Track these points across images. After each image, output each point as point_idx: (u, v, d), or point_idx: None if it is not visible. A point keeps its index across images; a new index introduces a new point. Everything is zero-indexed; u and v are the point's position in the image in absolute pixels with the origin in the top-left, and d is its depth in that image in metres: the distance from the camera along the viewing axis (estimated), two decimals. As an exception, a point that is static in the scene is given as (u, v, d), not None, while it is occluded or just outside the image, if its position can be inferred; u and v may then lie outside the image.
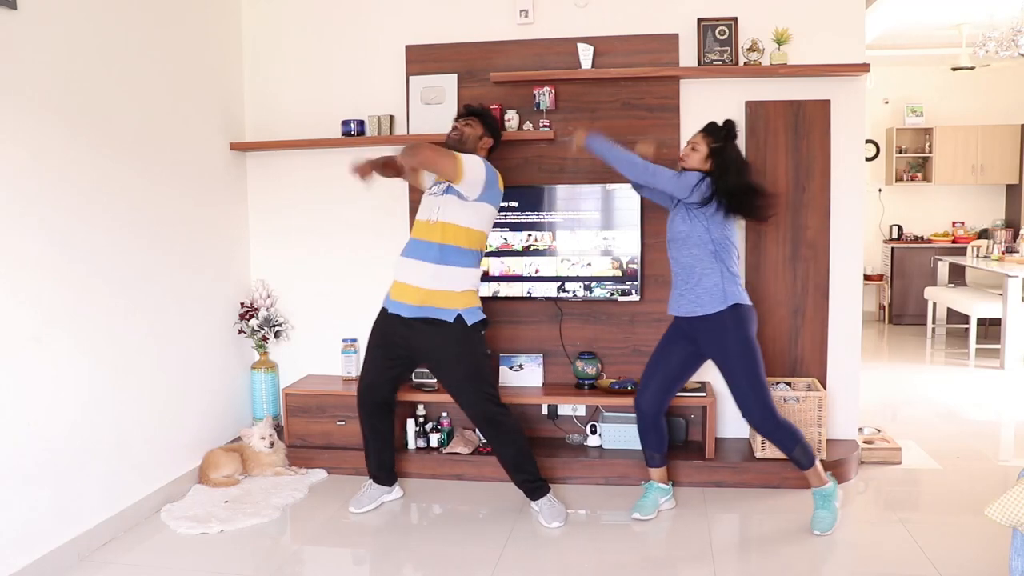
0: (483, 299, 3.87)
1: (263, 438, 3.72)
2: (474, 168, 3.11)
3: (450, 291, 3.14)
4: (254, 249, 4.23)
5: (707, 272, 3.07)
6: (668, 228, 3.20)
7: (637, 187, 3.43)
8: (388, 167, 3.27)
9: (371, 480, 3.45)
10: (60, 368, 2.89)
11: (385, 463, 3.43)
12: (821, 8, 3.71)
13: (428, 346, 3.20)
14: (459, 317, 3.14)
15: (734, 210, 3.08)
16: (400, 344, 3.24)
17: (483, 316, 3.23)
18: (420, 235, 3.20)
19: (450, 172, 3.07)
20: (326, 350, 4.16)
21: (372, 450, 3.40)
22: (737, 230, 3.17)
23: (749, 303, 3.12)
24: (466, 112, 3.37)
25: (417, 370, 3.72)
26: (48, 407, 2.83)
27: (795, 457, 3.13)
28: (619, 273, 3.79)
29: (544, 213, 3.82)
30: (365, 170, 3.19)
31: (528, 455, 3.29)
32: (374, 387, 3.31)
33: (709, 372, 3.79)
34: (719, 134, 3.11)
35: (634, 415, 3.79)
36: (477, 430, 3.38)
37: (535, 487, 3.28)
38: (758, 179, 3.27)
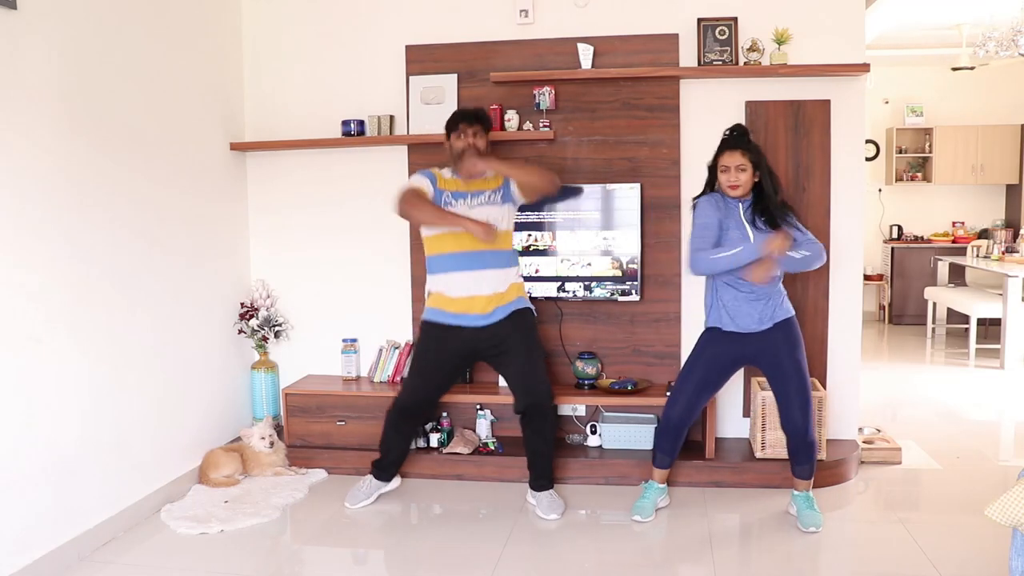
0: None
1: (263, 438, 3.72)
2: None
3: (519, 283, 3.37)
4: (254, 249, 4.23)
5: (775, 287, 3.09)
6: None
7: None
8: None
9: (372, 476, 3.47)
10: (60, 368, 2.89)
11: (398, 463, 3.52)
12: (821, 8, 3.71)
13: (515, 334, 3.27)
14: (529, 309, 3.36)
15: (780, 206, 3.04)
16: (477, 352, 3.32)
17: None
18: (481, 246, 3.18)
19: (552, 183, 3.26)
20: (326, 350, 4.16)
21: (391, 449, 3.45)
22: None
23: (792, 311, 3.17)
24: (473, 119, 3.31)
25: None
26: (48, 407, 2.83)
27: (804, 469, 3.15)
28: (619, 273, 3.79)
29: (544, 213, 3.82)
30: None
31: (553, 449, 3.44)
32: (425, 403, 3.42)
33: (709, 372, 3.79)
34: (749, 143, 3.03)
35: (634, 415, 3.80)
36: (524, 421, 3.36)
37: (548, 480, 3.37)
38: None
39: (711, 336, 3.16)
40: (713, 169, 3.10)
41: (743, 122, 3.72)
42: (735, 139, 3.04)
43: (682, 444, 3.27)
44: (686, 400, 3.16)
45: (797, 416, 3.07)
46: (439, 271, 3.27)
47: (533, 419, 3.32)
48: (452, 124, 3.31)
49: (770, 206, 3.03)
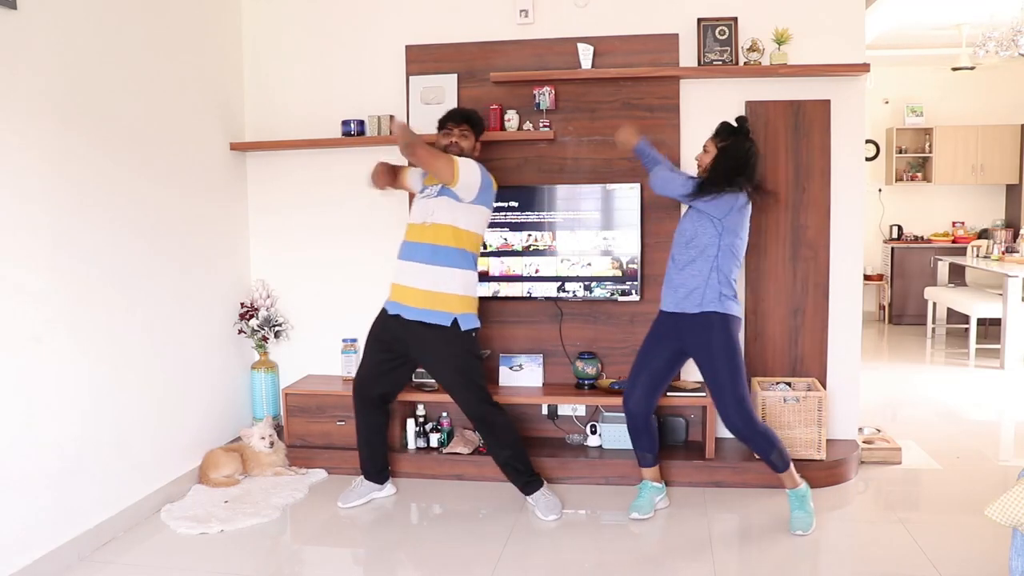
0: (483, 299, 3.89)
1: (263, 438, 3.72)
2: (471, 172, 3.17)
3: (447, 293, 3.18)
4: (254, 249, 4.23)
5: (702, 273, 3.08)
6: (679, 226, 3.21)
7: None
8: (389, 173, 3.43)
9: (362, 476, 3.47)
10: (60, 368, 2.89)
11: (377, 460, 3.46)
12: (821, 8, 3.71)
13: (424, 348, 3.26)
14: (455, 322, 3.18)
15: (724, 183, 3.06)
16: (397, 343, 3.29)
17: (477, 324, 3.27)
18: (414, 237, 3.24)
19: (446, 175, 3.10)
20: (326, 350, 4.16)
21: (363, 444, 3.44)
22: (745, 242, 3.15)
23: (737, 315, 3.12)
24: (460, 118, 3.36)
25: (418, 370, 3.72)
26: (48, 407, 2.83)
27: (772, 460, 3.13)
28: (619, 273, 3.79)
29: (544, 213, 3.82)
30: (380, 182, 3.41)
31: (522, 453, 3.35)
32: (367, 381, 3.38)
33: (709, 372, 3.79)
34: (726, 132, 3.13)
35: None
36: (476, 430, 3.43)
37: (529, 482, 3.33)
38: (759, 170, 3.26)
39: (656, 318, 3.27)
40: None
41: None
42: (720, 124, 3.18)
43: (657, 439, 3.31)
44: (635, 384, 3.22)
45: (731, 414, 3.07)
46: (400, 253, 3.34)
47: (480, 431, 3.38)
48: (442, 122, 3.38)
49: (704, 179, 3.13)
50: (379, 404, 3.42)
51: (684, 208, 3.25)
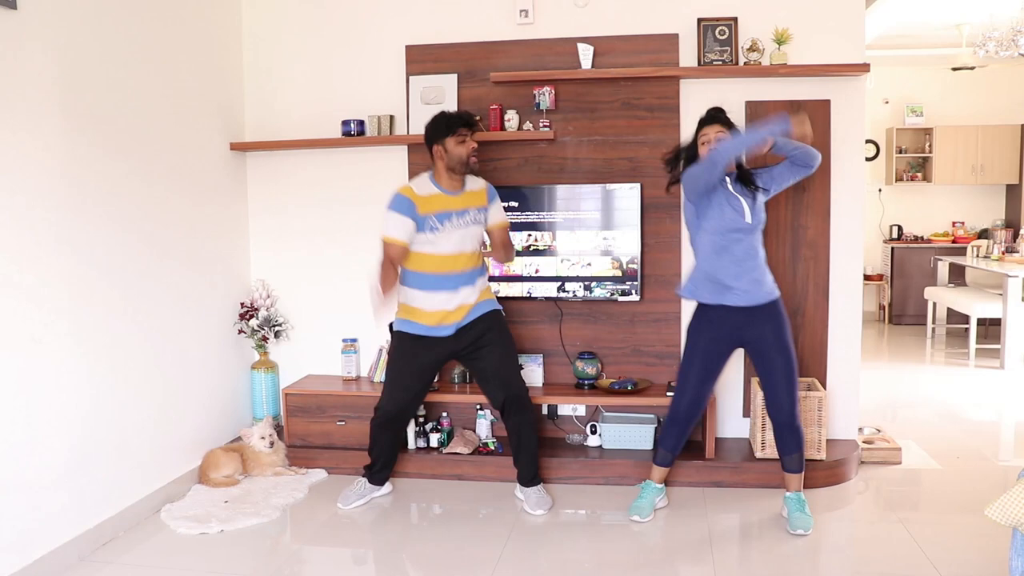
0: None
1: (263, 438, 3.72)
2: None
3: (487, 287, 3.42)
4: (254, 249, 4.23)
5: (762, 259, 3.09)
6: (713, 218, 3.04)
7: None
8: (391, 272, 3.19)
9: (365, 479, 3.48)
10: (60, 368, 2.89)
11: (390, 464, 3.51)
12: (821, 8, 3.71)
13: (488, 333, 3.32)
14: (498, 308, 3.39)
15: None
16: (449, 354, 3.35)
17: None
18: (467, 266, 3.27)
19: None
20: (326, 350, 4.16)
21: (388, 458, 3.47)
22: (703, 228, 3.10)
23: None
24: (474, 123, 3.26)
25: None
26: (48, 407, 2.83)
27: (793, 459, 3.15)
28: (619, 273, 3.79)
29: (544, 213, 3.82)
30: (388, 287, 3.12)
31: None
32: (411, 408, 3.43)
33: (709, 372, 3.79)
34: (726, 119, 3.09)
35: (634, 415, 3.80)
36: (505, 415, 3.36)
37: (536, 475, 3.40)
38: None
39: (701, 314, 3.17)
40: (693, 146, 3.13)
41: (744, 122, 3.74)
42: (712, 116, 3.11)
43: (685, 442, 3.27)
44: (687, 388, 3.16)
45: (783, 399, 3.07)
46: (418, 287, 3.24)
47: (513, 412, 3.34)
48: (448, 128, 3.16)
49: (748, 172, 3.12)
50: (406, 422, 3.52)
51: (712, 197, 3.05)
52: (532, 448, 3.38)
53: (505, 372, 3.33)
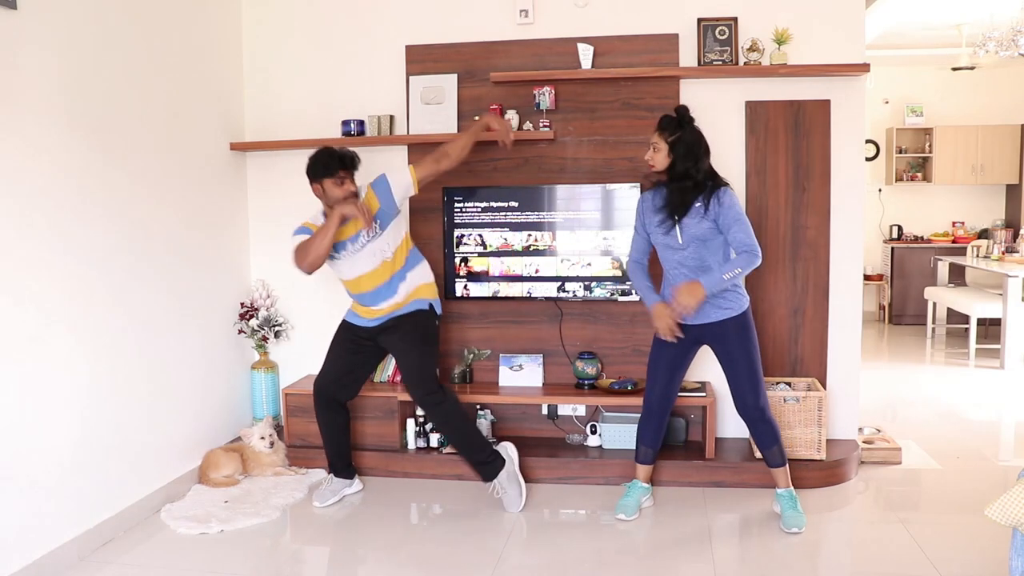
0: (483, 299, 3.90)
1: (263, 438, 3.72)
2: (385, 187, 3.31)
3: (423, 284, 3.41)
4: (254, 249, 4.23)
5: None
6: (678, 233, 3.05)
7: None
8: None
9: (331, 474, 3.51)
10: (60, 368, 2.89)
11: (343, 455, 3.52)
12: (821, 8, 3.71)
13: (396, 334, 3.38)
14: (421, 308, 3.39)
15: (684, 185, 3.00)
16: (370, 339, 3.42)
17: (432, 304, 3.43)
18: (387, 275, 3.32)
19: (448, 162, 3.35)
20: (326, 350, 4.14)
21: (336, 446, 3.50)
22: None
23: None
24: (350, 164, 3.28)
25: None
26: (48, 407, 2.83)
27: (773, 453, 3.16)
28: (619, 273, 3.79)
29: (544, 213, 3.82)
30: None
31: (476, 433, 3.40)
32: (337, 384, 3.48)
33: (709, 372, 3.79)
34: (672, 126, 3.02)
35: (634, 415, 3.79)
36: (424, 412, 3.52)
37: (479, 470, 3.39)
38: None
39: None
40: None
41: (743, 122, 3.74)
42: (662, 118, 3.05)
43: (662, 437, 3.30)
44: (655, 382, 3.21)
45: (748, 394, 3.09)
46: (354, 298, 3.44)
47: (427, 416, 3.45)
48: (327, 169, 3.22)
49: (672, 195, 3.02)
50: (337, 401, 3.52)
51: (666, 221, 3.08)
52: (457, 443, 3.40)
53: (405, 377, 3.39)
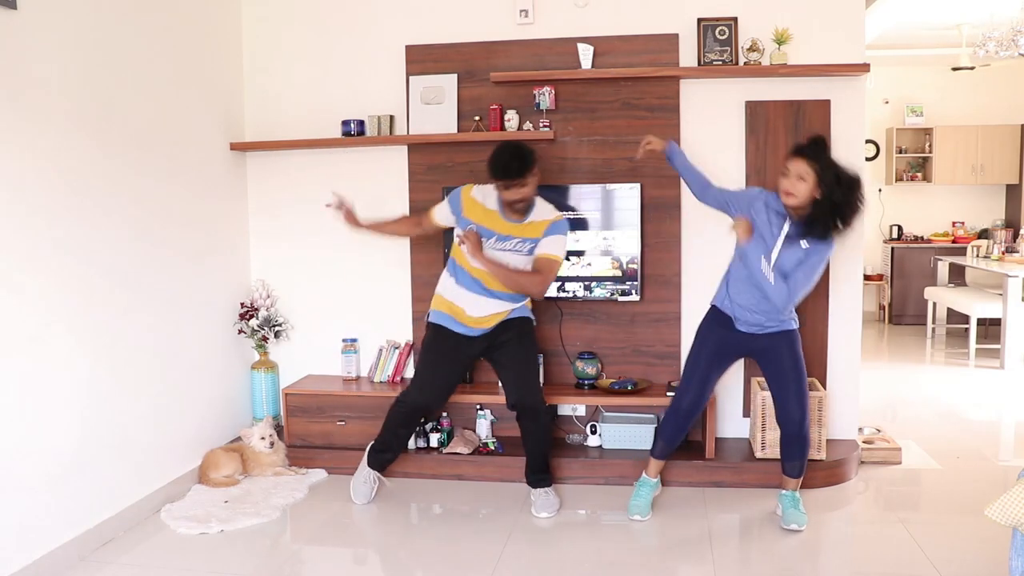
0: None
1: (263, 438, 3.72)
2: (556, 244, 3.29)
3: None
4: (254, 249, 4.23)
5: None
6: (775, 253, 2.93)
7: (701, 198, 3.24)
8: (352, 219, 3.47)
9: (367, 464, 3.49)
10: (60, 368, 2.89)
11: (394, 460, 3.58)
12: (821, 8, 3.71)
13: (512, 337, 3.38)
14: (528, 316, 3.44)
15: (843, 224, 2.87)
16: (478, 352, 3.41)
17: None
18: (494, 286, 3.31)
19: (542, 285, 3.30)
20: (326, 350, 4.16)
21: (397, 450, 3.52)
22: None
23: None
24: (523, 171, 3.13)
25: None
26: (48, 407, 2.83)
27: (797, 465, 3.15)
28: (619, 273, 3.79)
29: (544, 213, 3.81)
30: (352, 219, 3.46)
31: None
32: (437, 400, 3.46)
33: (709, 372, 3.79)
34: (819, 155, 2.82)
35: (634, 415, 3.80)
36: (519, 417, 3.39)
37: (543, 477, 3.40)
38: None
39: (714, 317, 3.16)
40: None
41: (743, 122, 3.74)
42: (805, 147, 2.86)
43: (684, 438, 3.28)
44: (689, 386, 3.17)
45: (794, 409, 3.07)
46: (461, 285, 3.31)
47: (523, 418, 3.36)
48: (494, 173, 3.13)
49: (813, 230, 2.86)
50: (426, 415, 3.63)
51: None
52: (538, 452, 3.39)
53: (518, 380, 3.34)
